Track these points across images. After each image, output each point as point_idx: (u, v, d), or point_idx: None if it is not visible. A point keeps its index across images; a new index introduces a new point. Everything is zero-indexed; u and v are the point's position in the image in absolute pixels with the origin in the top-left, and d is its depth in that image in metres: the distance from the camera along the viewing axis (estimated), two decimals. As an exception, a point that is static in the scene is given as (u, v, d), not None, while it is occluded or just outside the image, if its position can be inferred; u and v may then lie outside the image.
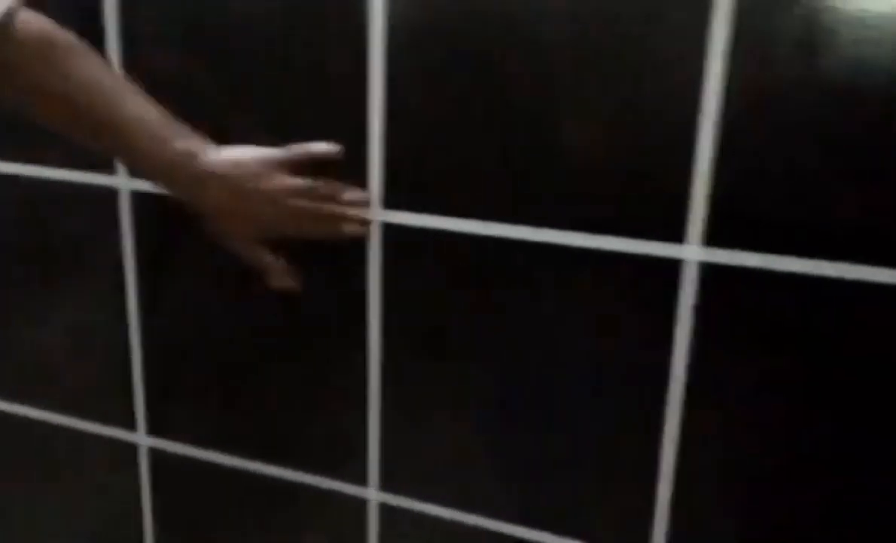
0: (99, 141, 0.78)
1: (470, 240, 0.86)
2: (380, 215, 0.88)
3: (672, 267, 0.79)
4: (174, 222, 0.99)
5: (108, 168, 1.01)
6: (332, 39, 0.86)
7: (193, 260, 1.00)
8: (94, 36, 0.95)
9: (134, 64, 0.94)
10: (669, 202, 0.77)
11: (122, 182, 1.00)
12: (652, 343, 0.82)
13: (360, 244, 0.90)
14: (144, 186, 0.99)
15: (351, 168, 0.88)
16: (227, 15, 0.89)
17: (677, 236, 0.78)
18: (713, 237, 0.77)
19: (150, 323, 1.05)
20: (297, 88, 0.88)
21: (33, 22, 0.73)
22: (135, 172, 0.94)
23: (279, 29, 0.88)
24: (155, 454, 1.11)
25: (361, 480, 1.00)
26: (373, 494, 1.00)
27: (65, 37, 0.75)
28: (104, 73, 0.77)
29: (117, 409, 1.11)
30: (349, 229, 0.86)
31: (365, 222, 0.87)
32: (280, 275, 0.88)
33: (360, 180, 0.88)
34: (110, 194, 1.01)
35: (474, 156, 0.83)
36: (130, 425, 1.11)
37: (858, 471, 0.78)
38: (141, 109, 0.78)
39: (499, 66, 0.80)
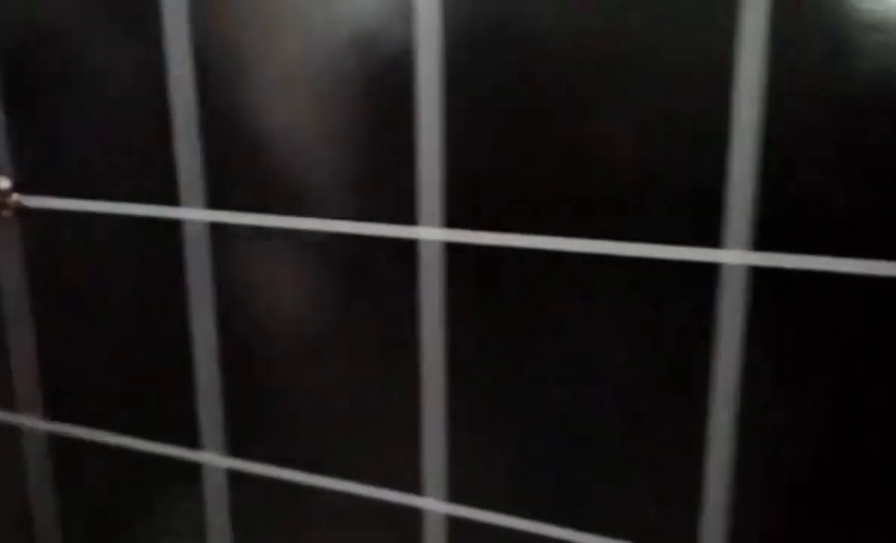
0: None
1: (530, 255, 0.90)
2: (441, 235, 0.94)
3: (713, 271, 0.82)
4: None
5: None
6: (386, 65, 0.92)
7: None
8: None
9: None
10: (714, 209, 0.81)
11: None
12: (696, 351, 0.84)
13: (413, 259, 0.95)
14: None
15: (403, 185, 0.94)
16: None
17: (715, 240, 0.82)
18: (759, 243, 0.80)
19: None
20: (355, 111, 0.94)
21: None
22: None
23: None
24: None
25: (422, 490, 1.02)
26: (436, 505, 1.02)
27: None
28: None
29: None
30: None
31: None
32: None
33: (410, 199, 0.94)
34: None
35: (529, 176, 0.88)
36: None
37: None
38: None
39: (544, 90, 0.85)
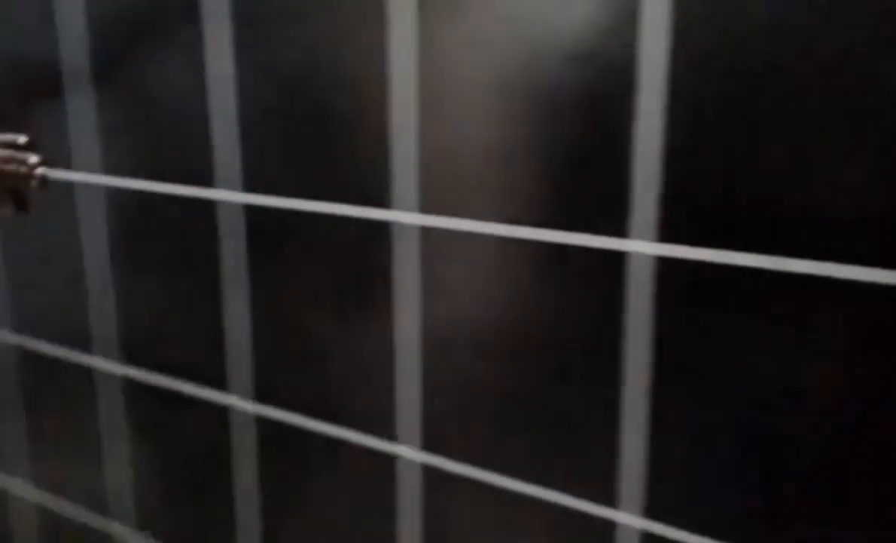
0: None
1: (743, 272, 0.89)
2: (654, 249, 0.94)
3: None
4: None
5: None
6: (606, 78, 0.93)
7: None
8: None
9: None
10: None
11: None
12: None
13: (621, 272, 0.96)
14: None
15: (617, 198, 0.94)
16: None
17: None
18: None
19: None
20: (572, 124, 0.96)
21: None
22: None
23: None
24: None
25: (616, 503, 1.02)
26: (631, 519, 1.01)
27: None
28: None
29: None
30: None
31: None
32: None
33: (622, 211, 0.95)
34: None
35: (750, 192, 0.87)
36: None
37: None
38: None
39: (770, 104, 0.84)
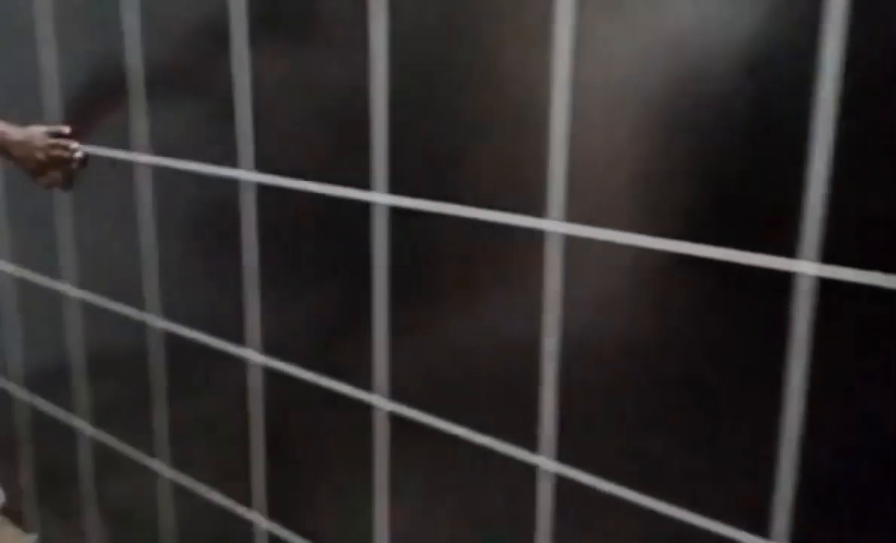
0: None
1: None
2: (815, 269, 0.90)
3: None
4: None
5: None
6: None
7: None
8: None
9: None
10: None
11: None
12: None
13: (783, 296, 0.93)
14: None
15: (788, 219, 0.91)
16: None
17: None
18: None
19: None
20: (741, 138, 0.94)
21: None
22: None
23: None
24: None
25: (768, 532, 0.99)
26: None
27: None
28: None
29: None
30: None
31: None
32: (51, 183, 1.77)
33: (789, 229, 0.91)
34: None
35: None
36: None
37: None
38: None
39: None
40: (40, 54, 1.80)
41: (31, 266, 1.98)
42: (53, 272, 1.91)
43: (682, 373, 1.01)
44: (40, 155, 1.69)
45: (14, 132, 1.69)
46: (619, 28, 0.99)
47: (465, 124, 1.15)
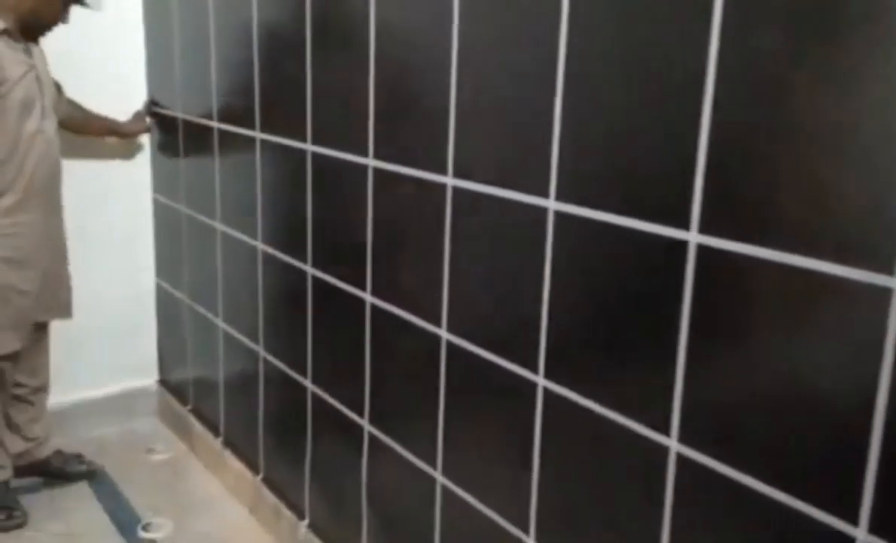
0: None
1: None
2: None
3: None
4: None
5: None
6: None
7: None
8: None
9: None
10: None
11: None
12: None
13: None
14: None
15: None
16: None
17: None
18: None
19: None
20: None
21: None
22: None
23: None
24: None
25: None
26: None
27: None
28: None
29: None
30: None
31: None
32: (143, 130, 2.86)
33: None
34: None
35: None
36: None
37: None
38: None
39: None
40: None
41: (196, 208, 2.69)
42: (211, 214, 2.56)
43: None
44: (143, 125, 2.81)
45: (122, 121, 2.74)
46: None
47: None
